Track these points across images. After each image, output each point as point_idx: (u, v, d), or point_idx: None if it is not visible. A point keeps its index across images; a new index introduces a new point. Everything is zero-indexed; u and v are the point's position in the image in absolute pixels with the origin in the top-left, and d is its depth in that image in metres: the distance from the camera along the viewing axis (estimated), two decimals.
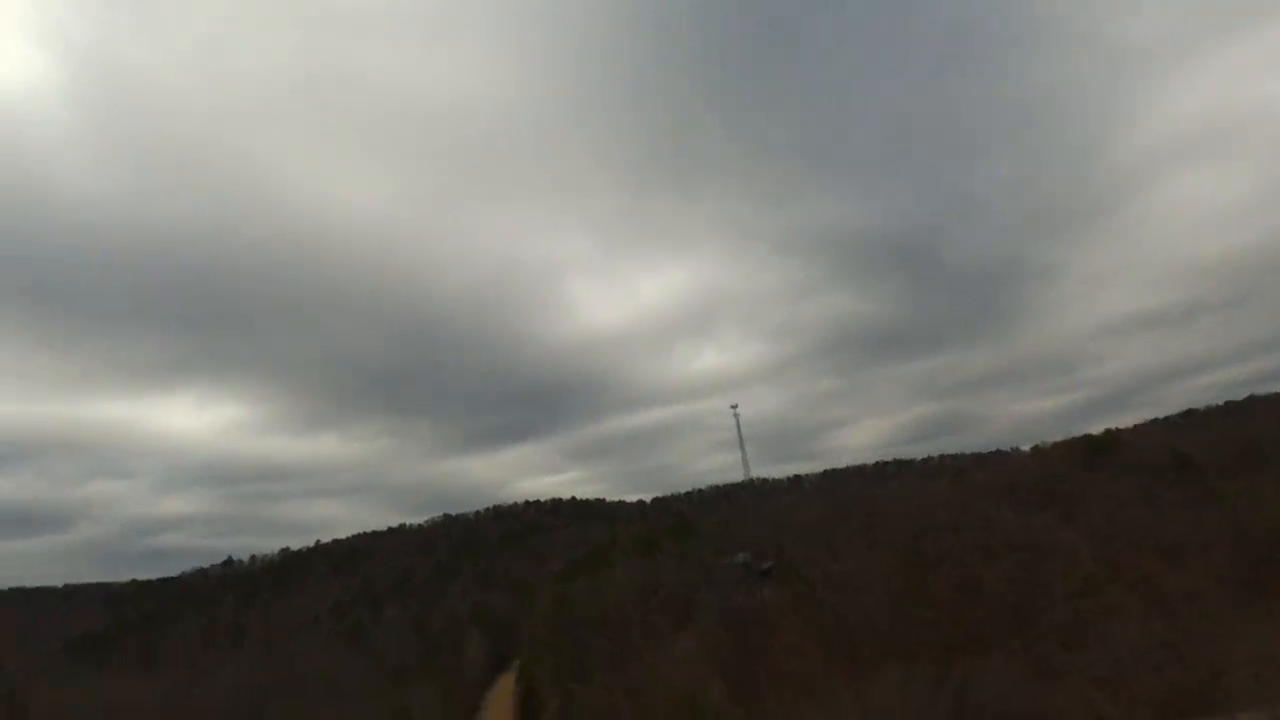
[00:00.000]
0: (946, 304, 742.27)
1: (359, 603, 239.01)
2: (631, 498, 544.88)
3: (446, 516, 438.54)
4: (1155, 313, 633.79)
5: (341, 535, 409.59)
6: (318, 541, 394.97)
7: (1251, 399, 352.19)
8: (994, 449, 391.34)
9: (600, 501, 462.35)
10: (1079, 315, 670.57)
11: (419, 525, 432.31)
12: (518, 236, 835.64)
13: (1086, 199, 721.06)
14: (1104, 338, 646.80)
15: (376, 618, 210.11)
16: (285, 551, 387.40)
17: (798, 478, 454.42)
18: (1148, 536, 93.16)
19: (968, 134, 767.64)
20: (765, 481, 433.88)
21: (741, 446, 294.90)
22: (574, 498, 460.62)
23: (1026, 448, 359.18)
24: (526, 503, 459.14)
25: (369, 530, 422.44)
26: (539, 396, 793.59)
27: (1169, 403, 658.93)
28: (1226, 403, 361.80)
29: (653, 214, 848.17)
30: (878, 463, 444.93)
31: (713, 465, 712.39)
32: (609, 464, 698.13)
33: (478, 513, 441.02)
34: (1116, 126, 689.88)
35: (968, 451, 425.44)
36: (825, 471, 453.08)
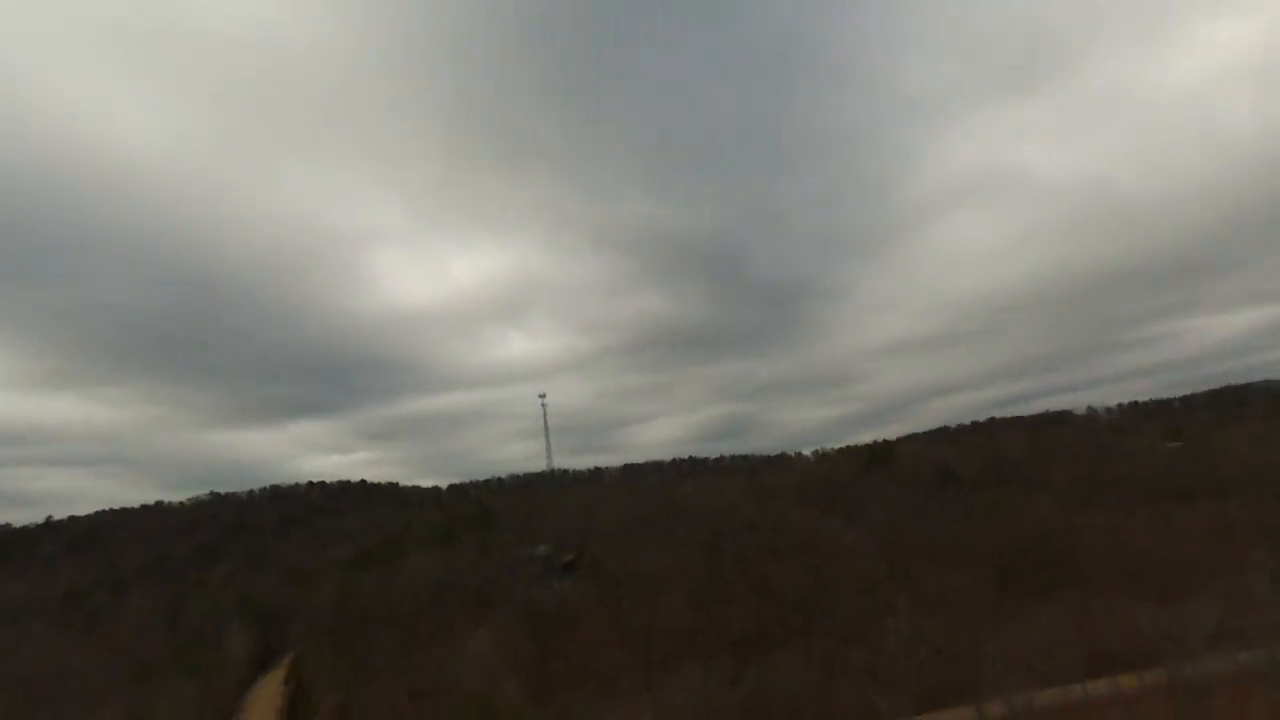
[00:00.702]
0: (747, 312, 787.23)
1: (99, 588, 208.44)
2: (427, 483, 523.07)
3: (215, 495, 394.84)
4: (920, 338, 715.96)
5: (81, 512, 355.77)
6: (49, 518, 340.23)
7: (992, 420, 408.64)
8: (780, 452, 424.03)
9: (394, 486, 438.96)
10: (859, 335, 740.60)
11: (180, 503, 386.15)
12: (323, 196, 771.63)
13: (875, 230, 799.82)
14: (877, 357, 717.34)
15: (120, 605, 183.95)
16: (5, 528, 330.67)
17: (598, 470, 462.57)
18: (917, 541, 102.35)
19: (779, 154, 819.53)
20: (566, 473, 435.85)
21: (547, 436, 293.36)
22: (364, 480, 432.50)
23: (808, 452, 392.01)
24: (310, 483, 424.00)
25: (117, 507, 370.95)
26: (331, 370, 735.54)
27: (925, 419, 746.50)
28: (973, 422, 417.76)
29: (470, 191, 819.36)
30: (674, 460, 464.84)
31: (513, 454, 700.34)
32: (405, 447, 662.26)
33: (253, 492, 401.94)
34: (905, 166, 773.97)
35: (757, 453, 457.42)
36: (625, 465, 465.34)
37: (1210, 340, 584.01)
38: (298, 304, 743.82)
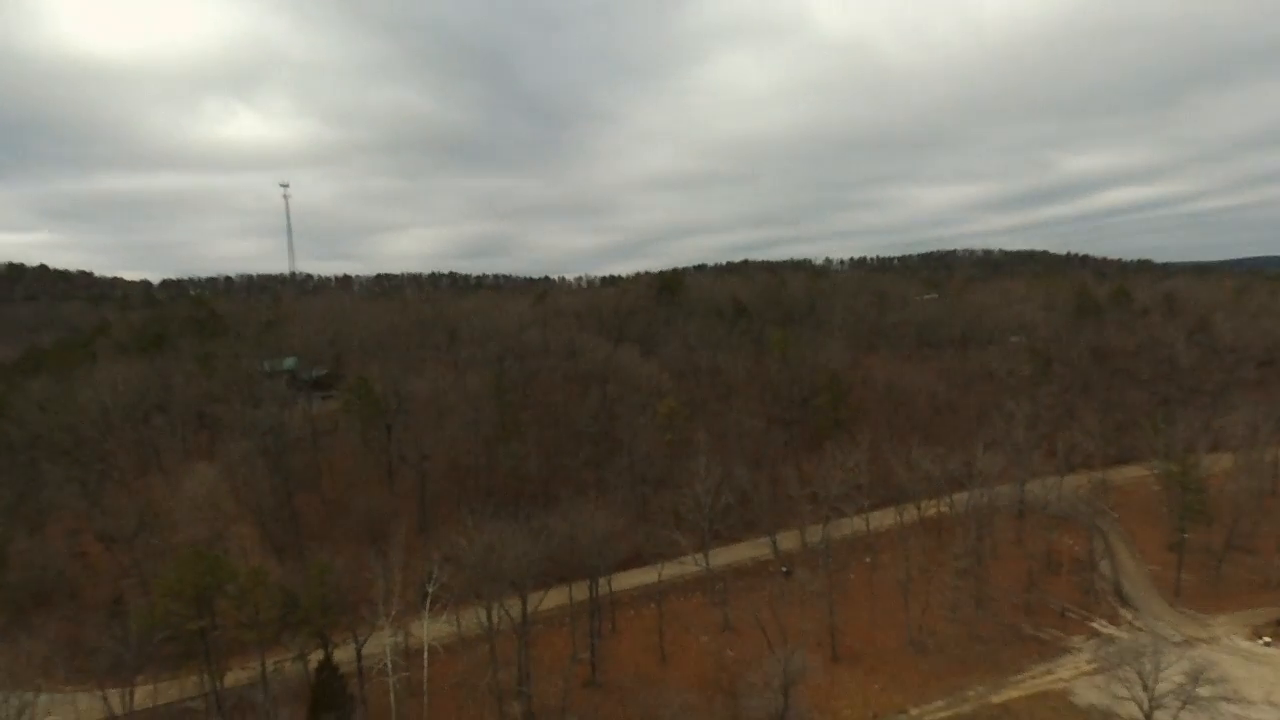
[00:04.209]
0: (515, 125, 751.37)
1: None
2: (133, 275, 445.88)
3: None
4: (681, 175, 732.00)
5: None
6: None
7: (745, 263, 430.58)
8: (543, 275, 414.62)
9: (86, 275, 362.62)
10: (625, 164, 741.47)
11: None
12: None
13: (654, 54, 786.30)
14: (639, 190, 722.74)
15: None
16: None
17: (347, 278, 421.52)
18: (714, 375, 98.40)
19: None
20: (311, 277, 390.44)
21: (289, 233, 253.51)
22: (45, 265, 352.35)
23: (571, 278, 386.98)
24: None
25: None
26: None
27: (681, 256, 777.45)
28: (728, 262, 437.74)
29: None
30: (433, 274, 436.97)
31: (242, 252, 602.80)
32: (103, 231, 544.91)
33: None
34: None
35: (517, 274, 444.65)
36: (379, 275, 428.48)
37: (923, 209, 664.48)
38: None
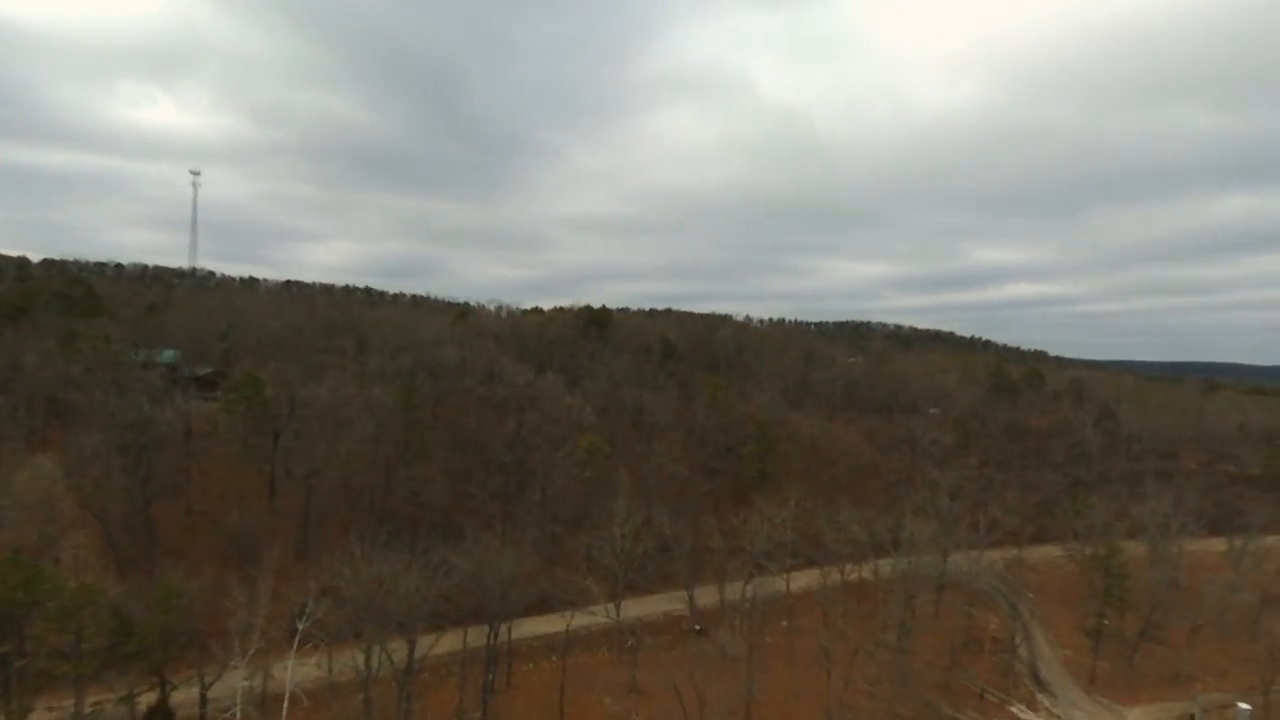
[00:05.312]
0: (451, 148, 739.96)
1: None
2: (10, 251, 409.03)
3: None
4: (614, 220, 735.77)
5: None
6: None
7: (669, 312, 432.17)
8: (464, 301, 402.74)
9: None
10: (559, 202, 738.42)
11: None
12: None
13: (601, 98, 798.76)
14: (571, 229, 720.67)
15: None
16: None
17: (254, 280, 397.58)
18: (639, 415, 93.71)
19: None
20: (213, 275, 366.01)
21: (194, 225, 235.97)
22: None
23: (492, 307, 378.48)
24: None
25: None
26: None
27: (604, 298, 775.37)
28: (651, 309, 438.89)
29: None
30: (348, 286, 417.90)
31: (140, 242, 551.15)
32: None
33: None
34: (644, 39, 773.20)
35: (437, 297, 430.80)
36: (288, 282, 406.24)
37: (840, 280, 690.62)
38: None
